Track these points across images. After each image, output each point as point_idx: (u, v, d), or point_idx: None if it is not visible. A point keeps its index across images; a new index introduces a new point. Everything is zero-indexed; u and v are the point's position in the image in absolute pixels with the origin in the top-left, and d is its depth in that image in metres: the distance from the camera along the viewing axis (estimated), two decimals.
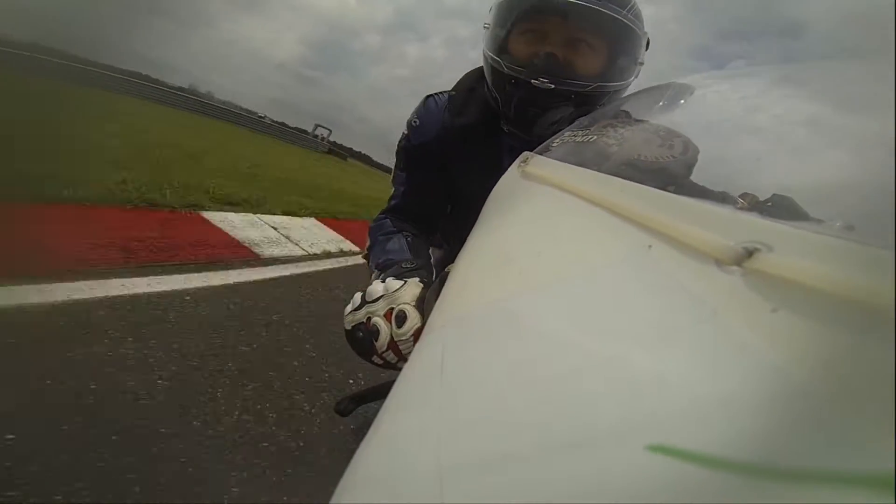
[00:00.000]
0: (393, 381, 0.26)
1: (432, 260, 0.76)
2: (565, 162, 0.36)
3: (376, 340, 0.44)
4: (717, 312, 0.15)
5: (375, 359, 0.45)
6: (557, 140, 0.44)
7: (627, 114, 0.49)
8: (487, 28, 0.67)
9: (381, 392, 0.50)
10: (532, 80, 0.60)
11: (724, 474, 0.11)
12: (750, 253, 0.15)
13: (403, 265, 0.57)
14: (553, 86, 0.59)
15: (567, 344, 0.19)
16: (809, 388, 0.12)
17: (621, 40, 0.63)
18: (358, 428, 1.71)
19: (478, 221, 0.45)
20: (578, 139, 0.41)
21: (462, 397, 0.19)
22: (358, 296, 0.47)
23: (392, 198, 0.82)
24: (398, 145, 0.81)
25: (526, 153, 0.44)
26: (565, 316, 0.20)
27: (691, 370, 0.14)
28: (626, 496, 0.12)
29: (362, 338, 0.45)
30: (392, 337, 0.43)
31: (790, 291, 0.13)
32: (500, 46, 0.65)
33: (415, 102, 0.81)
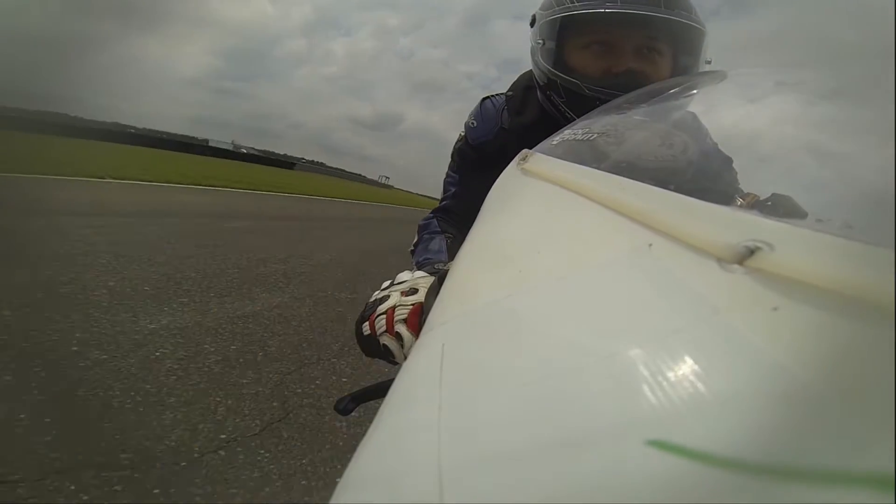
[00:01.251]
0: (392, 380, 0.26)
1: None
2: (565, 160, 0.36)
3: (380, 306, 0.45)
4: (719, 311, 0.15)
5: (365, 326, 0.46)
6: (557, 137, 0.44)
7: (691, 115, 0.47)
8: (541, 44, 0.64)
9: (380, 391, 0.50)
10: None
11: (725, 472, 0.11)
12: (751, 251, 0.15)
13: (437, 265, 0.59)
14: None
15: (567, 342, 0.19)
16: (810, 386, 0.12)
17: (691, 43, 0.61)
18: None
19: (477, 219, 0.45)
20: (578, 137, 0.40)
21: (462, 395, 0.19)
22: (387, 282, 0.50)
23: (443, 198, 0.84)
24: (454, 147, 0.82)
25: (525, 150, 0.44)
26: (565, 314, 0.20)
27: (692, 368, 0.14)
28: (627, 495, 0.12)
29: (371, 305, 0.47)
30: (395, 304, 0.44)
31: (791, 290, 0.13)
32: (562, 62, 0.63)
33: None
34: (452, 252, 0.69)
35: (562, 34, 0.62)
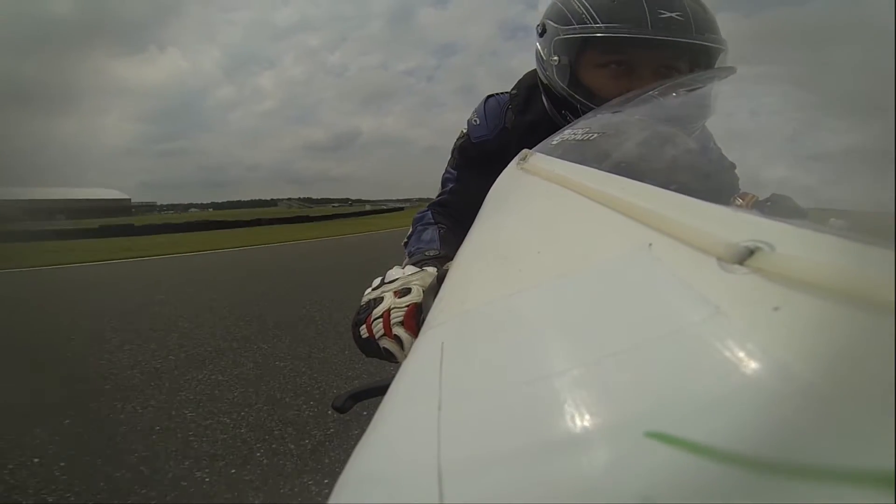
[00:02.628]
0: (392, 379, 0.26)
1: None
2: (565, 159, 0.36)
3: (374, 309, 0.45)
4: (719, 310, 0.15)
5: (363, 329, 0.46)
6: (557, 137, 0.44)
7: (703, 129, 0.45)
8: (556, 61, 0.63)
9: (379, 389, 0.50)
10: None
11: (727, 468, 0.11)
12: (752, 251, 0.15)
13: (427, 253, 0.60)
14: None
15: (567, 341, 0.18)
16: (810, 384, 0.12)
17: (713, 62, 0.59)
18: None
19: (477, 218, 0.45)
20: (578, 137, 0.40)
21: (461, 395, 0.19)
22: (377, 280, 0.50)
23: (440, 193, 0.85)
24: (455, 144, 0.83)
25: (525, 150, 0.44)
26: (565, 313, 0.20)
27: (693, 367, 0.14)
28: (628, 494, 0.12)
29: (365, 307, 0.47)
30: (390, 307, 0.44)
31: (792, 289, 0.13)
32: (577, 80, 0.62)
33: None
34: (445, 242, 0.69)
35: (580, 52, 0.61)
